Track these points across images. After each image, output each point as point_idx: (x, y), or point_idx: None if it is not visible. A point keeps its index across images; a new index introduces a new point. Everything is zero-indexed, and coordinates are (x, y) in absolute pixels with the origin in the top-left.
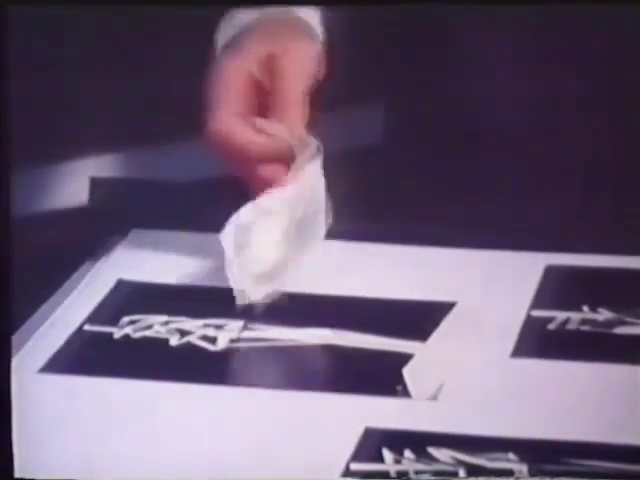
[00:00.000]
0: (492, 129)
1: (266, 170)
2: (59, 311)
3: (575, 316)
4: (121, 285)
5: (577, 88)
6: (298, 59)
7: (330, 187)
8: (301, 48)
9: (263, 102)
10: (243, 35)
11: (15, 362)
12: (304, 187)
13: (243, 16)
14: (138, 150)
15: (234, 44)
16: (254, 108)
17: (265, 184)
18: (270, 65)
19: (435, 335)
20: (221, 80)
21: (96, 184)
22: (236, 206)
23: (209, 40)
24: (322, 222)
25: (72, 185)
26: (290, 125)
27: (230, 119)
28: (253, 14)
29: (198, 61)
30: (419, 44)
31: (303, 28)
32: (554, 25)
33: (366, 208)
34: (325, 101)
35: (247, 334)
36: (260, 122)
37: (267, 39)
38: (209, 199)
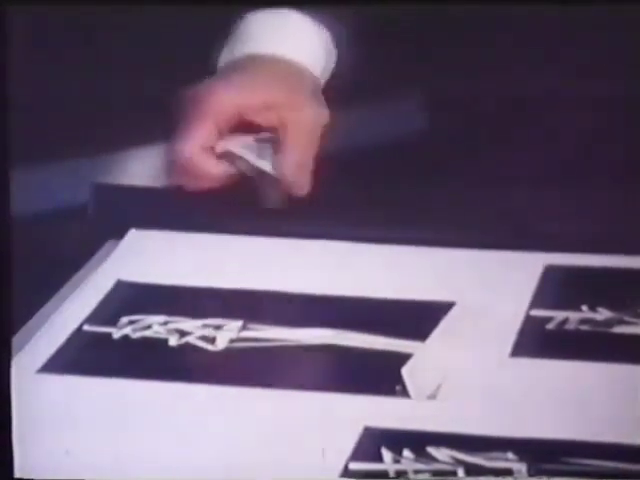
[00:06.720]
0: (492, 130)
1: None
2: (58, 312)
3: (574, 315)
4: (120, 286)
5: (577, 88)
6: (309, 116)
7: (330, 187)
8: (308, 103)
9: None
10: (238, 69)
11: (15, 362)
12: None
13: (238, 48)
14: (138, 150)
15: (225, 75)
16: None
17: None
18: (269, 115)
19: (434, 335)
20: (203, 108)
21: (97, 190)
22: (235, 205)
23: (210, 42)
24: None
25: (72, 185)
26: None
27: (198, 152)
28: (246, 49)
29: (201, 62)
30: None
31: (300, 74)
32: (574, 24)
33: (366, 209)
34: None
35: (246, 334)
36: (222, 145)
37: (265, 83)
38: (208, 200)
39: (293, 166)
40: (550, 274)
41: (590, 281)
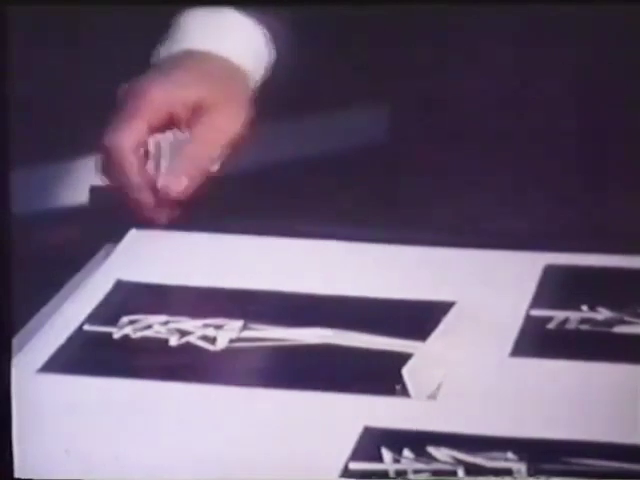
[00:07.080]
0: (492, 129)
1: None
2: (59, 312)
3: (574, 315)
4: (120, 285)
5: (577, 88)
6: (225, 119)
7: (330, 188)
8: (230, 105)
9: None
10: (173, 65)
11: (15, 362)
12: None
13: (175, 43)
14: None
15: (159, 71)
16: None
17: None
18: (196, 112)
19: (434, 334)
20: (135, 104)
21: (96, 191)
22: (235, 205)
23: None
24: None
25: (72, 185)
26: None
27: (129, 148)
28: (182, 45)
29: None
30: (417, 45)
31: (232, 73)
32: (552, 26)
33: (366, 209)
34: (322, 102)
35: (247, 334)
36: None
37: (197, 81)
38: (208, 198)
39: (178, 164)
40: (550, 274)
41: (590, 281)
